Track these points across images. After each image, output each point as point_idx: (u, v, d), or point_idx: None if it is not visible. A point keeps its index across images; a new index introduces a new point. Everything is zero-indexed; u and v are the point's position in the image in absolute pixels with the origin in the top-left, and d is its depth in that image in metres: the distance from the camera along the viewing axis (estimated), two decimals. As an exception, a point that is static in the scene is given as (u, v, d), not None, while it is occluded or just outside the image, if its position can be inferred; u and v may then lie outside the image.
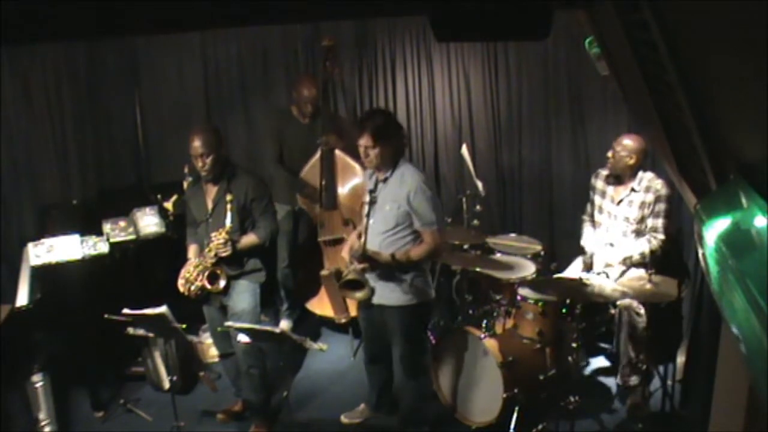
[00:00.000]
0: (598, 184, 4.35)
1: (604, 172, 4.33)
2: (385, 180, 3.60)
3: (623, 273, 4.15)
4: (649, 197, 4.08)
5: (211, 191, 3.91)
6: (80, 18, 1.86)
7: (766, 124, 1.06)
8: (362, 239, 3.53)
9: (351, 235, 3.94)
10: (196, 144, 3.74)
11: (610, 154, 4.20)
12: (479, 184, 4.87)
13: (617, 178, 4.21)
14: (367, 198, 3.63)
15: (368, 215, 3.55)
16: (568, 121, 5.31)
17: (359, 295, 3.64)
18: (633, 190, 4.13)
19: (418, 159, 5.63)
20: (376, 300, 3.67)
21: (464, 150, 4.98)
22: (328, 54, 4.80)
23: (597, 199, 4.36)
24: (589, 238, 4.39)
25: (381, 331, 3.80)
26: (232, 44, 5.51)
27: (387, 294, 3.63)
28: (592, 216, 4.44)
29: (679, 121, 1.65)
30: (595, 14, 2.35)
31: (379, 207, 3.56)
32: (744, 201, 1.21)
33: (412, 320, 3.68)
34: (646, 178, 4.13)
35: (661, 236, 4.08)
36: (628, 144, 4.11)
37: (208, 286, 3.84)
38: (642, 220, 4.11)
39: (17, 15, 1.70)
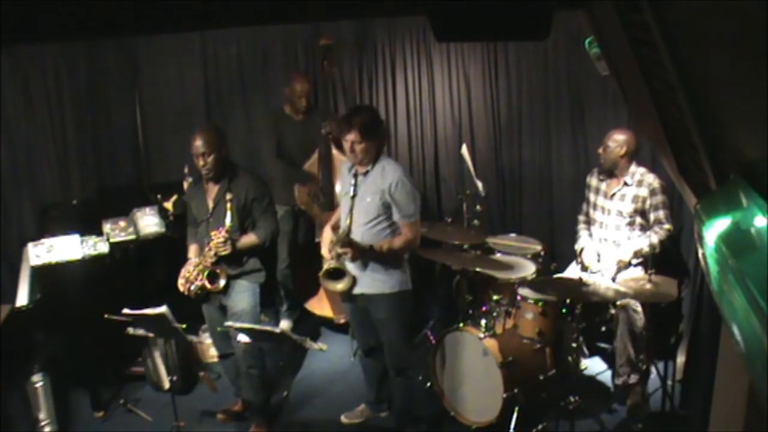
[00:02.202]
0: (593, 181, 4.39)
1: (596, 169, 4.38)
2: (366, 173, 3.68)
3: (619, 271, 4.15)
4: (643, 191, 4.10)
5: (212, 191, 3.91)
6: (80, 18, 1.86)
7: (766, 124, 1.06)
8: (347, 223, 3.64)
9: (325, 229, 3.98)
10: (198, 143, 3.75)
11: (601, 149, 4.23)
12: (479, 184, 4.87)
13: (609, 173, 4.23)
14: (347, 190, 3.73)
15: (351, 204, 3.66)
16: (568, 121, 5.31)
17: (340, 285, 3.73)
18: (625, 183, 4.15)
19: (418, 159, 5.63)
20: (359, 290, 3.74)
21: (464, 150, 4.98)
22: (326, 53, 4.82)
23: (591, 196, 4.39)
24: (586, 245, 4.39)
25: (368, 321, 3.86)
26: (232, 44, 5.51)
27: (369, 282, 3.71)
28: (587, 216, 4.46)
29: (679, 121, 1.65)
30: (595, 14, 2.35)
31: (360, 199, 3.66)
32: (744, 201, 1.21)
33: (395, 308, 3.74)
34: (638, 172, 4.15)
35: (667, 226, 4.09)
36: (618, 137, 4.16)
37: (208, 286, 3.84)
38: (635, 213, 4.13)
39: (17, 15, 1.70)
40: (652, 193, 4.09)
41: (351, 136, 3.58)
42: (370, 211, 3.65)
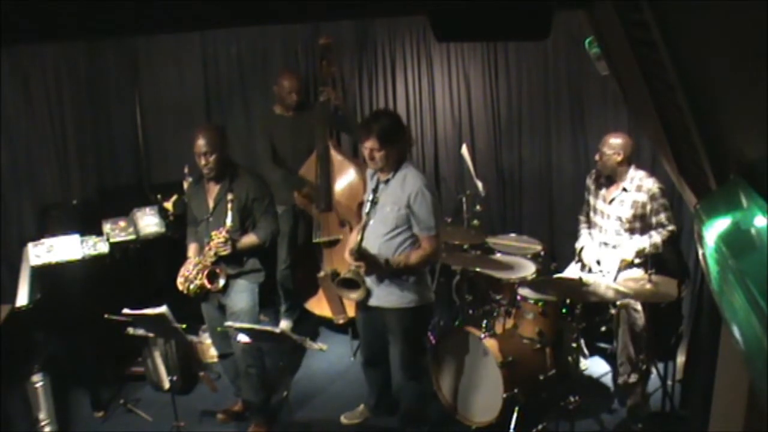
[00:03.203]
0: (592, 184, 4.38)
1: (594, 171, 4.37)
2: (387, 181, 3.58)
3: (619, 272, 4.15)
4: (642, 196, 4.08)
5: (213, 190, 3.91)
6: (80, 18, 1.86)
7: (766, 124, 1.06)
8: (358, 237, 3.55)
9: (351, 235, 3.93)
10: (200, 142, 3.75)
11: (597, 157, 4.21)
12: (479, 184, 4.87)
13: (608, 178, 4.22)
14: (368, 197, 3.63)
15: (368, 214, 3.56)
16: (568, 121, 5.31)
17: (354, 295, 3.65)
18: (624, 189, 4.14)
19: (418, 159, 5.62)
20: (375, 302, 3.66)
21: (464, 150, 4.98)
22: (324, 53, 4.82)
23: (591, 199, 4.38)
24: (586, 244, 4.39)
25: (380, 333, 3.80)
26: (232, 44, 5.51)
27: (386, 297, 3.62)
28: (587, 216, 4.45)
29: (679, 121, 1.65)
30: (595, 14, 2.35)
31: (380, 208, 3.56)
32: (744, 201, 1.20)
33: (412, 323, 3.67)
34: (637, 176, 4.13)
35: (671, 227, 4.08)
36: (613, 142, 4.13)
37: (208, 285, 3.84)
38: (634, 219, 4.11)
39: (17, 15, 1.70)
40: (652, 198, 4.07)
41: (369, 143, 3.47)
42: (389, 222, 3.53)
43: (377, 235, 3.57)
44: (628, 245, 4.13)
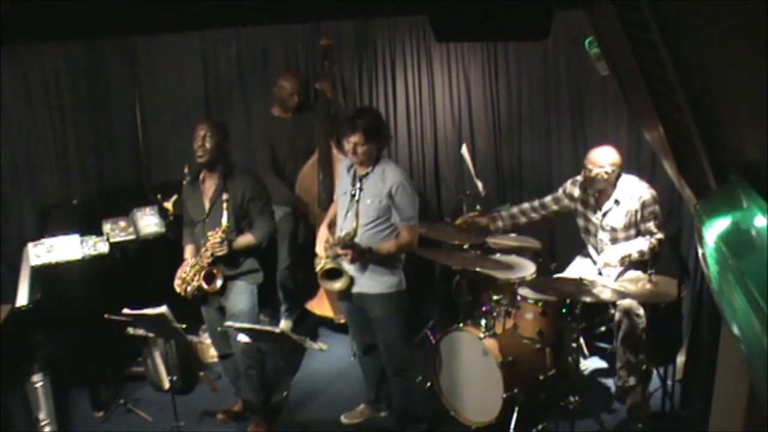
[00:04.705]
0: (575, 192, 4.27)
1: (579, 179, 4.23)
2: (366, 175, 3.71)
3: (622, 273, 4.14)
4: (634, 204, 4.04)
5: (209, 191, 3.90)
6: (80, 18, 1.86)
7: (766, 124, 1.06)
8: (353, 226, 3.66)
9: (320, 228, 3.98)
10: (202, 126, 3.80)
11: (584, 172, 4.08)
12: (479, 184, 4.87)
13: (600, 191, 4.13)
14: (346, 191, 3.75)
15: (358, 202, 3.68)
16: (568, 121, 5.30)
17: (338, 285, 3.76)
18: (617, 201, 4.07)
19: (418, 159, 5.62)
20: (357, 289, 3.77)
21: (464, 150, 4.98)
22: (326, 54, 4.82)
23: (579, 207, 4.28)
24: (519, 215, 4.43)
25: (365, 320, 3.87)
26: (232, 44, 5.51)
27: (368, 282, 3.74)
28: (541, 203, 4.41)
29: (679, 121, 1.65)
30: (595, 14, 2.35)
31: (360, 201, 3.69)
32: (744, 201, 1.21)
33: (391, 308, 3.76)
34: (628, 184, 4.07)
35: (659, 235, 4.05)
36: (602, 160, 4.02)
37: (205, 286, 3.83)
38: (629, 227, 4.08)
39: (17, 15, 1.70)
40: (643, 205, 4.03)
41: (354, 138, 3.61)
42: (370, 214, 3.67)
43: (358, 226, 3.69)
44: (613, 250, 4.09)
